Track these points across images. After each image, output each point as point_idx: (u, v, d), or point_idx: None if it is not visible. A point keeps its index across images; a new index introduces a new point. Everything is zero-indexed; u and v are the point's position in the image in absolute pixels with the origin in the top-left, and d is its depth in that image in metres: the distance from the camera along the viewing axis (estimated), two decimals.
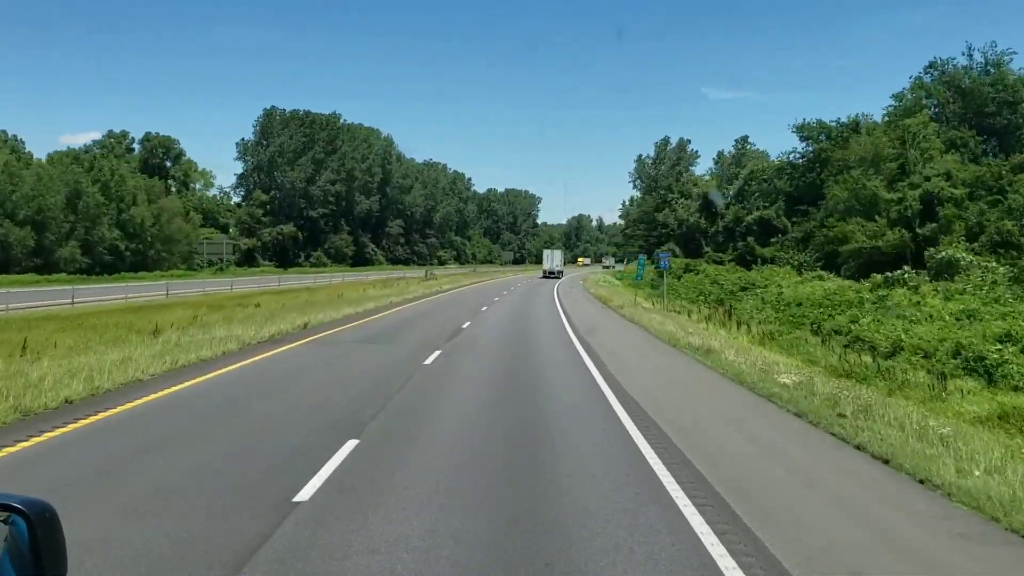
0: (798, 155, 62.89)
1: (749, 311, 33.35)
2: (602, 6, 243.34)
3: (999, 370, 16.48)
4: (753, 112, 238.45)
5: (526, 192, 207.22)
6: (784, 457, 8.80)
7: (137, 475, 7.25)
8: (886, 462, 8.54)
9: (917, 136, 45.54)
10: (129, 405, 10.61)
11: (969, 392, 15.01)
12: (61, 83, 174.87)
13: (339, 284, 58.54)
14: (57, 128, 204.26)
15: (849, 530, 6.32)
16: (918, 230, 40.13)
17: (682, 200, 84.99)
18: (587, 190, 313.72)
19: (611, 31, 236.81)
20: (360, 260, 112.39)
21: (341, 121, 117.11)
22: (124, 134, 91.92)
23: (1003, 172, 41.47)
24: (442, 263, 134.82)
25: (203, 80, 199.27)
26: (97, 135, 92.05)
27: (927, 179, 41.83)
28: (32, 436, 8.65)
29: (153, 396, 11.30)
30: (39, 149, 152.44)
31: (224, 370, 13.98)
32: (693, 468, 7.85)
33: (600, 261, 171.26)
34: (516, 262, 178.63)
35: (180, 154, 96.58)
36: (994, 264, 29.61)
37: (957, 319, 21.73)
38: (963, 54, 55.24)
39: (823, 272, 41.80)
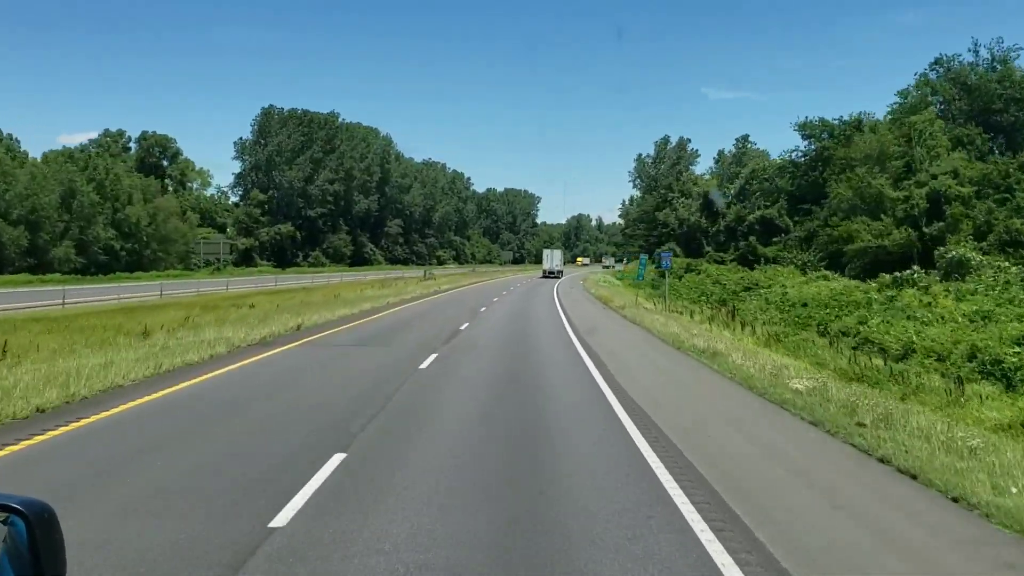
0: (800, 153, 62.31)
1: (753, 312, 32.71)
2: (602, 6, 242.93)
3: (1018, 374, 15.85)
4: (753, 112, 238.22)
5: (525, 192, 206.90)
6: (806, 473, 8.17)
7: (94, 500, 6.59)
8: (914, 477, 7.93)
9: (923, 133, 44.85)
10: (104, 414, 9.98)
11: (988, 397, 14.39)
12: (61, 83, 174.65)
13: (337, 284, 57.90)
14: (56, 128, 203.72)
15: (887, 559, 5.71)
16: (925, 229, 39.48)
17: (683, 199, 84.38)
18: (587, 190, 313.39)
19: (611, 31, 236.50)
20: (359, 260, 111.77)
21: (339, 120, 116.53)
22: (120, 133, 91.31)
23: (1011, 170, 40.81)
24: (441, 263, 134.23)
25: (203, 80, 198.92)
26: (95, 135, 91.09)
27: (934, 177, 41.13)
28: None
29: (130, 404, 10.66)
30: (38, 149, 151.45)
31: (210, 375, 13.35)
32: (709, 487, 7.23)
33: (600, 261, 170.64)
34: (515, 262, 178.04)
35: (177, 153, 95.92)
36: (1007, 264, 28.94)
37: (971, 320, 21.10)
38: (969, 50, 54.70)
39: (827, 272, 41.14)
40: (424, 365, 14.98)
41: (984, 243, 34.78)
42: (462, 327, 23.85)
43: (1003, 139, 50.62)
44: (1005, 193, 39.14)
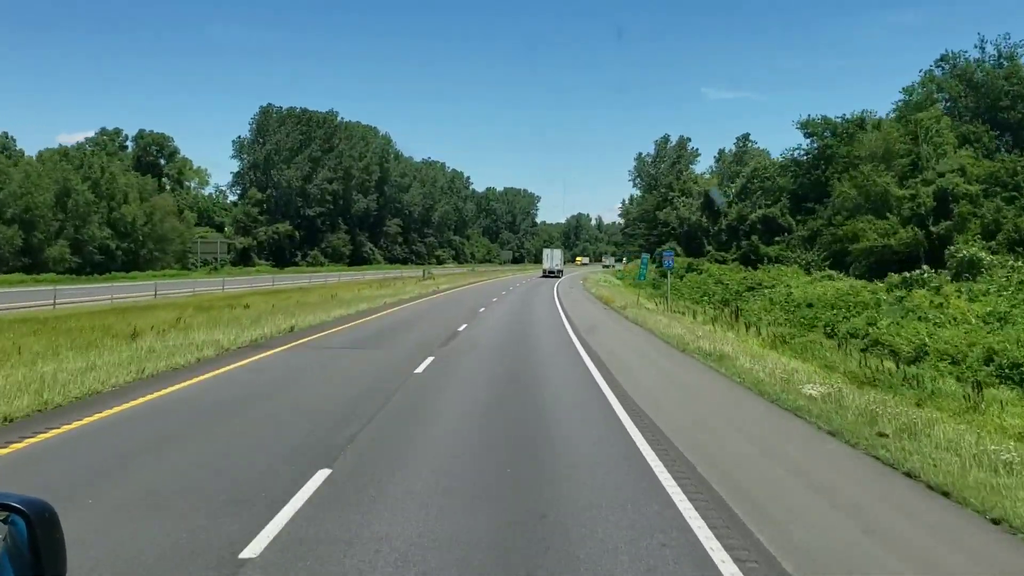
0: (803, 152, 61.59)
1: (757, 312, 32.10)
2: (602, 6, 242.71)
3: None
4: (753, 112, 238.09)
5: (525, 191, 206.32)
6: (830, 491, 7.53)
7: None
8: (946, 495, 7.32)
9: (930, 131, 44.11)
10: (75, 424, 9.36)
11: (1008, 403, 13.76)
12: (60, 82, 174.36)
13: (334, 284, 57.25)
14: (56, 127, 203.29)
15: None
16: (932, 228, 38.78)
17: (683, 198, 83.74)
18: (586, 189, 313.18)
19: (611, 31, 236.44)
20: (358, 259, 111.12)
21: (338, 119, 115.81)
22: (117, 131, 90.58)
23: (1019, 168, 40.10)
24: (440, 262, 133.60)
25: (203, 80, 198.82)
26: (92, 134, 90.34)
27: (941, 175, 40.42)
28: None
29: (105, 413, 10.02)
30: (37, 149, 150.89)
31: (193, 380, 12.71)
32: (727, 508, 6.61)
33: (599, 260, 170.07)
34: (515, 261, 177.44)
35: (174, 152, 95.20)
36: (1020, 264, 28.23)
37: (985, 322, 20.48)
38: (975, 47, 53.87)
39: (832, 272, 40.44)
40: (420, 369, 14.35)
41: (993, 242, 34.09)
42: (460, 329, 23.23)
43: (1010, 137, 49.73)
44: (1013, 192, 38.43)
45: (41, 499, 1.79)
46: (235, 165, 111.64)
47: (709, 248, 70.49)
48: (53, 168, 62.10)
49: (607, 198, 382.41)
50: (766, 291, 36.90)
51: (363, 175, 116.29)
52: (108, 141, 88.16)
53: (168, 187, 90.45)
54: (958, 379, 16.20)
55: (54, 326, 22.53)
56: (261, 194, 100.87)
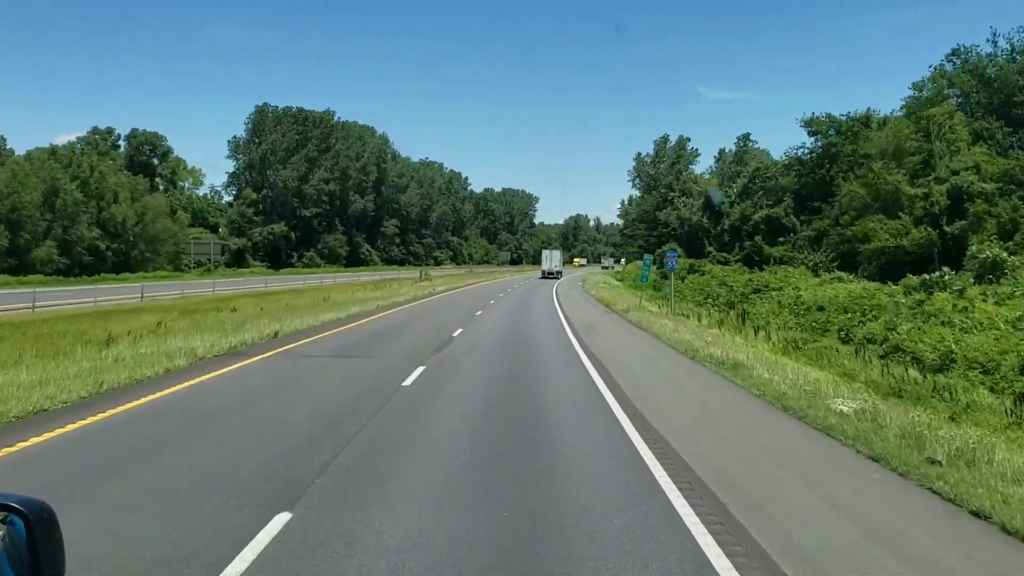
0: (806, 151, 60.32)
1: (765, 315, 30.89)
2: (602, 6, 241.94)
3: None
4: (753, 112, 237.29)
5: (523, 192, 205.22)
6: (887, 535, 6.29)
7: None
8: None
9: (942, 127, 42.80)
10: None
11: None
12: (60, 83, 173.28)
13: (328, 286, 56.05)
14: (55, 128, 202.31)
15: None
16: (946, 228, 37.49)
17: (684, 199, 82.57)
18: (585, 190, 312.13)
19: (611, 31, 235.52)
20: (354, 260, 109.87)
21: (335, 119, 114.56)
22: (110, 130, 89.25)
23: None
24: (438, 263, 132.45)
25: (202, 80, 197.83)
26: (84, 134, 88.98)
27: (955, 173, 39.10)
28: None
29: (32, 441, 8.61)
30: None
31: (154, 396, 11.42)
32: (769, 561, 5.36)
33: (598, 261, 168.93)
34: (513, 262, 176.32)
35: (168, 151, 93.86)
36: None
37: (1015, 327, 19.26)
38: (987, 40, 52.46)
39: (841, 273, 39.17)
40: (408, 382, 13.07)
41: (1010, 243, 32.82)
42: (455, 334, 21.98)
43: None
44: None
45: (40, 499, 1.77)
46: (231, 165, 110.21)
47: (710, 249, 69.26)
48: (41, 167, 60.72)
49: (606, 199, 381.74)
50: (774, 293, 35.66)
51: (360, 175, 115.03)
52: (100, 140, 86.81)
53: (161, 187, 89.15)
54: (992, 390, 14.98)
55: (25, 331, 21.37)
56: (256, 194, 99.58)
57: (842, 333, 23.52)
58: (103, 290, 40.69)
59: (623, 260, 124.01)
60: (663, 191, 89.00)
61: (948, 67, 52.96)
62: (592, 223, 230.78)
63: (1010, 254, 29.92)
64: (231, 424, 9.86)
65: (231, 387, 12.66)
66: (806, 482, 7.79)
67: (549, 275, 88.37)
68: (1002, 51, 50.89)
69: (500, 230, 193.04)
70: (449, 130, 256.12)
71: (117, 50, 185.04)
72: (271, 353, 16.81)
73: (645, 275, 49.95)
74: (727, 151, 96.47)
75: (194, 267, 77.12)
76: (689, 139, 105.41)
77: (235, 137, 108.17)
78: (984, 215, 36.04)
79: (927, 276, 26.83)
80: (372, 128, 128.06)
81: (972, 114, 48.09)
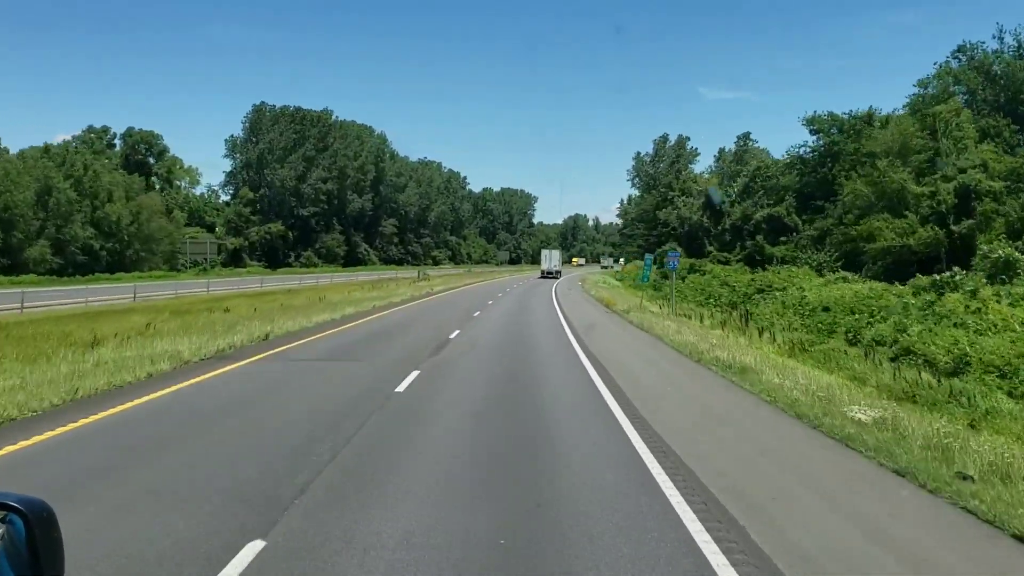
0: (808, 149, 59.66)
1: (768, 316, 30.27)
2: (602, 6, 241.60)
3: None
4: (753, 112, 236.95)
5: (522, 191, 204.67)
6: (922, 562, 5.68)
7: None
8: None
9: (949, 125, 42.14)
10: None
11: None
12: (60, 83, 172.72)
13: (325, 285, 55.39)
14: (55, 129, 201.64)
15: None
16: (953, 227, 36.83)
17: (684, 198, 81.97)
18: (584, 189, 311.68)
19: (611, 31, 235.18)
20: (352, 260, 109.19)
21: (333, 118, 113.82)
22: (105, 129, 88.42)
23: None
24: (437, 263, 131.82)
25: (202, 80, 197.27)
26: (79, 132, 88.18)
27: (962, 171, 38.44)
28: None
29: None
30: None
31: (129, 404, 10.75)
32: None
33: (598, 261, 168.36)
34: (512, 262, 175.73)
35: (164, 150, 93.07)
36: None
37: None
38: (994, 37, 51.68)
39: (846, 273, 38.52)
40: (401, 387, 12.42)
41: (1019, 242, 32.15)
42: (451, 336, 21.34)
43: None
44: None
45: (39, 498, 1.77)
46: (229, 165, 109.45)
47: (711, 248, 68.61)
48: (34, 166, 59.97)
49: (605, 198, 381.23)
50: (777, 293, 35.01)
51: (358, 175, 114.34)
52: (95, 139, 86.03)
53: (157, 186, 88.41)
54: (1010, 395, 14.36)
55: (9, 332, 20.72)
56: (253, 194, 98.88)
57: (849, 335, 22.92)
58: (96, 290, 40.03)
59: (622, 260, 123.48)
60: (663, 190, 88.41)
61: (953, 64, 52.30)
62: (591, 223, 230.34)
63: (1021, 253, 29.25)
64: (211, 434, 9.17)
65: (211, 395, 11.99)
66: (831, 503, 7.15)
67: (548, 275, 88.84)
68: (1009, 48, 50.29)
69: (499, 230, 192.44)
70: (448, 130, 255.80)
71: (116, 50, 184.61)
72: (260, 356, 16.17)
73: (647, 275, 49.32)
74: (727, 151, 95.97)
75: (190, 267, 76.43)
76: (689, 138, 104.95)
77: (232, 136, 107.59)
78: (992, 214, 35.39)
79: (937, 276, 26.17)
80: (370, 127, 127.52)
81: (978, 111, 47.37)
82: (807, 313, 28.96)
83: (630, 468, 7.88)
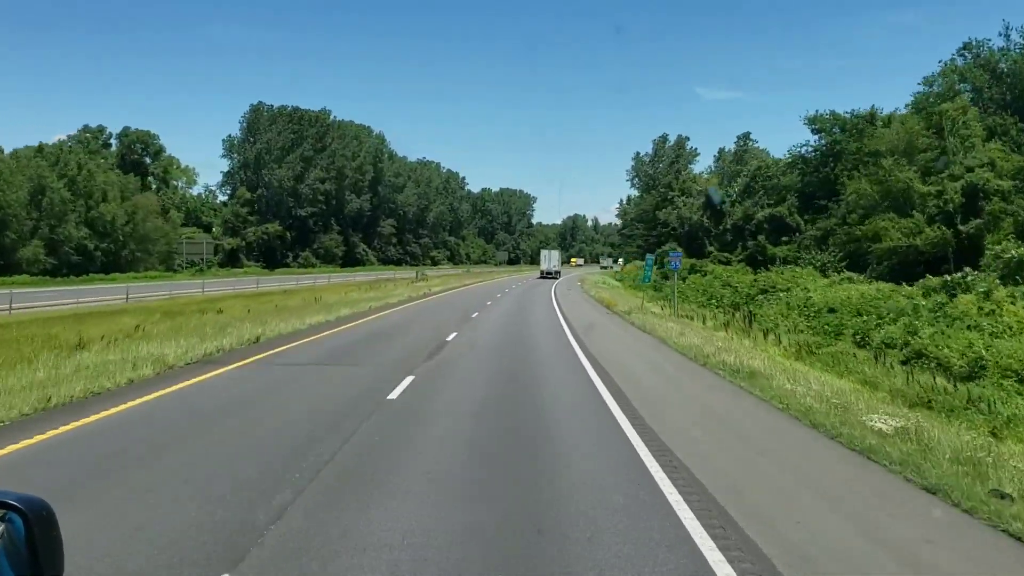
0: (810, 149, 59.04)
1: (772, 317, 29.66)
2: (602, 6, 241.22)
3: None
4: (753, 112, 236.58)
5: (521, 192, 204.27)
6: None
7: None
8: None
9: (955, 123, 41.52)
10: None
11: None
12: (58, 83, 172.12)
13: (322, 286, 54.73)
14: (54, 129, 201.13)
15: None
16: (960, 227, 36.21)
17: (684, 198, 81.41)
18: (583, 190, 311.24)
19: (611, 31, 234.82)
20: (351, 260, 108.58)
21: (331, 118, 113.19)
22: (101, 129, 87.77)
23: None
24: (435, 263, 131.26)
25: (202, 80, 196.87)
26: (75, 132, 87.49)
27: (969, 170, 37.81)
28: None
29: None
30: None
31: (100, 415, 10.06)
32: None
33: (597, 261, 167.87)
34: (511, 262, 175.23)
35: (160, 150, 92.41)
36: None
37: None
38: (1000, 34, 51.07)
39: (851, 274, 37.89)
40: (394, 394, 11.79)
41: None
42: (448, 338, 20.72)
43: None
44: None
45: (39, 497, 1.76)
46: (226, 164, 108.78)
47: (711, 249, 68.01)
48: (27, 165, 59.28)
49: (604, 199, 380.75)
50: (781, 294, 34.39)
51: (356, 175, 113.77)
52: (91, 139, 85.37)
53: (153, 186, 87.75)
54: None
55: None
56: (251, 194, 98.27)
57: (857, 337, 22.31)
58: (88, 291, 39.41)
59: (621, 260, 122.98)
60: (662, 191, 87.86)
61: (959, 61, 51.69)
62: (590, 223, 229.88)
63: None
64: (183, 451, 8.49)
65: (195, 401, 11.36)
66: (858, 526, 6.53)
67: (548, 275, 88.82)
68: (1015, 45, 49.66)
69: (498, 230, 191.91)
70: (448, 130, 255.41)
71: (115, 50, 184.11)
72: (249, 360, 15.53)
73: (648, 275, 48.72)
74: (727, 151, 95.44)
75: (187, 267, 75.80)
76: (688, 138, 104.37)
77: (230, 136, 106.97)
78: (1000, 213, 34.78)
79: (948, 277, 25.54)
80: (369, 127, 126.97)
81: (985, 109, 46.73)
82: (813, 314, 28.35)
83: (639, 487, 7.26)
